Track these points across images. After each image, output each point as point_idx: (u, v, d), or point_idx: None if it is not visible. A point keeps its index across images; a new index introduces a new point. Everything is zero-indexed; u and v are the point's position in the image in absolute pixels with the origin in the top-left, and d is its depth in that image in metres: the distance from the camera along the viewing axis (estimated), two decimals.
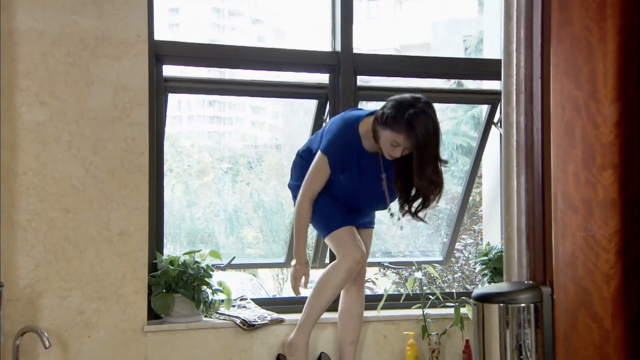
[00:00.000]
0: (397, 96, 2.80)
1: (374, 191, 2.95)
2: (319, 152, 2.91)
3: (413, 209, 2.90)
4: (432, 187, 2.81)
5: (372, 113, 2.88)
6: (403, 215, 2.94)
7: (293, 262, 2.96)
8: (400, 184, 2.88)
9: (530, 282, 1.18)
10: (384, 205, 3.03)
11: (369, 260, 4.28)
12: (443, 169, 2.83)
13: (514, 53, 1.18)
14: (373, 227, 3.15)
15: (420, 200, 2.88)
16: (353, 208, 3.02)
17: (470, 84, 4.76)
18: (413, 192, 2.88)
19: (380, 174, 2.91)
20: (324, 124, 3.53)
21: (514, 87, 1.21)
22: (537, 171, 1.17)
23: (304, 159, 3.01)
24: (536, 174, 1.18)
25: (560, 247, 1.12)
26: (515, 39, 1.19)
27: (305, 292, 3.03)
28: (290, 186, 3.06)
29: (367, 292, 4.75)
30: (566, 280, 1.11)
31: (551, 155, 1.13)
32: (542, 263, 1.16)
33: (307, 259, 2.98)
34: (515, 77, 1.20)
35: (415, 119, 2.69)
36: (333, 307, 3.12)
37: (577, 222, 1.10)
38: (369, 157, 2.89)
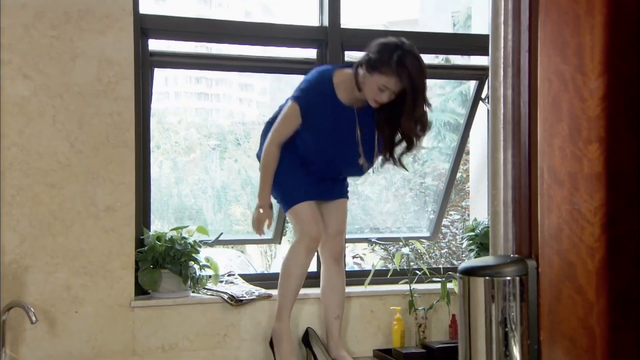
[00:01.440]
0: (380, 39, 2.79)
1: (348, 147, 2.89)
2: (289, 101, 2.88)
3: (396, 155, 2.89)
4: (419, 128, 2.80)
5: (347, 65, 2.86)
6: (386, 162, 2.93)
7: (257, 205, 2.95)
8: (384, 130, 2.85)
9: (516, 255, 1.19)
10: (358, 168, 2.95)
11: (356, 236, 4.30)
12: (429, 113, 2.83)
13: (502, 26, 1.18)
14: (346, 198, 3.10)
15: (404, 145, 2.88)
16: (324, 174, 2.96)
17: (458, 60, 4.75)
18: (397, 138, 2.86)
19: (355, 127, 2.87)
20: None
21: (502, 60, 1.20)
22: (523, 145, 1.17)
23: None
24: (523, 148, 1.18)
25: (546, 220, 1.13)
26: (502, 11, 1.18)
27: (268, 233, 3.03)
28: (258, 156, 3.04)
29: (355, 267, 4.78)
30: (551, 253, 1.12)
31: (538, 129, 1.13)
32: (528, 236, 1.16)
33: (271, 202, 2.96)
34: (502, 50, 1.20)
35: (404, 60, 2.68)
36: (316, 283, 3.14)
37: (563, 196, 1.11)
38: (344, 109, 2.86)
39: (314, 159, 2.93)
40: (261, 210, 2.94)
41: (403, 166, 2.95)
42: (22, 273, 2.88)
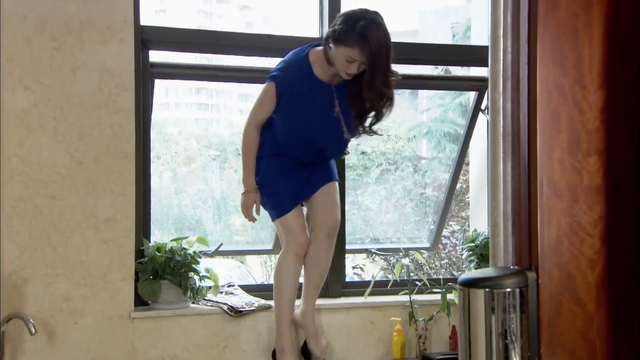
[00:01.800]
0: (345, 11, 2.80)
1: (329, 123, 2.88)
2: (266, 81, 2.88)
3: (367, 124, 2.89)
4: (382, 100, 2.80)
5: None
6: (358, 133, 2.92)
7: (242, 191, 2.95)
8: (354, 102, 2.85)
9: (516, 267, 1.19)
10: (341, 144, 2.94)
11: (356, 246, 4.30)
12: (397, 88, 2.85)
13: (501, 39, 1.18)
14: (335, 180, 3.05)
15: (373, 114, 2.88)
16: (307, 157, 2.94)
17: (458, 71, 4.77)
18: (368, 106, 2.86)
19: (333, 101, 2.87)
20: None
21: (501, 73, 1.21)
22: (523, 157, 1.18)
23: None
24: (522, 160, 1.18)
25: (546, 232, 1.13)
26: (502, 24, 1.18)
27: (258, 220, 3.05)
28: None
29: (355, 278, 4.77)
30: (551, 265, 1.12)
31: (537, 141, 1.14)
32: (528, 248, 1.16)
33: (256, 186, 2.95)
34: (502, 63, 1.20)
35: (367, 30, 2.69)
36: None
37: (563, 208, 1.11)
38: (322, 86, 2.86)
39: (295, 142, 2.92)
40: (247, 194, 2.94)
41: (375, 132, 2.95)
42: (21, 284, 2.87)
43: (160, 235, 3.73)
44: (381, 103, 2.81)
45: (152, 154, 3.29)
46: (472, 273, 1.30)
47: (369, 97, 2.78)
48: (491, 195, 1.26)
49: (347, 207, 3.54)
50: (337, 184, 3.08)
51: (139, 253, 3.09)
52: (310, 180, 2.99)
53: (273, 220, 3.01)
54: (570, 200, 1.10)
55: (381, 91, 2.75)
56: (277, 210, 2.95)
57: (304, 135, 2.91)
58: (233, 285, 3.43)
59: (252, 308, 3.15)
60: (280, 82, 2.85)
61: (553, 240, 1.12)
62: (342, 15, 2.78)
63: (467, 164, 4.53)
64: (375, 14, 2.75)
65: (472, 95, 3.88)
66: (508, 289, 1.16)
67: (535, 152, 1.14)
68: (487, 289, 1.17)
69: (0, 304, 2.80)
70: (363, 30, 2.68)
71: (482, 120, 3.83)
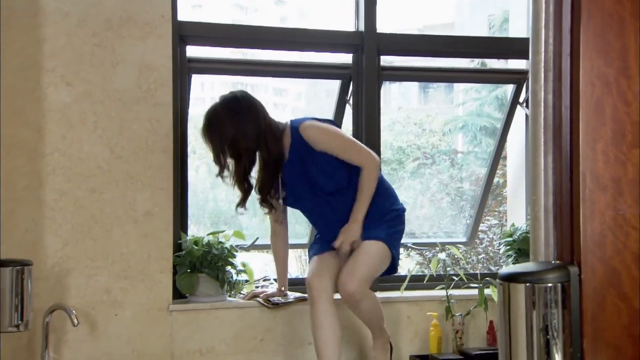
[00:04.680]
0: None
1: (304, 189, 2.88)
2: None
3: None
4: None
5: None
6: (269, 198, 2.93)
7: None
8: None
9: (558, 262, 1.17)
10: (325, 192, 2.85)
11: None
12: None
13: (542, 30, 1.16)
14: (371, 239, 2.79)
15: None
16: (320, 225, 2.98)
17: (494, 64, 4.70)
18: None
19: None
20: (347, 105, 3.52)
21: (542, 64, 1.19)
22: (565, 150, 1.16)
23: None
24: (564, 153, 1.16)
25: (589, 226, 1.11)
26: (543, 15, 1.17)
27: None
28: None
29: None
30: (594, 260, 1.10)
31: (580, 133, 1.12)
32: (570, 243, 1.15)
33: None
34: (543, 54, 1.18)
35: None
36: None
37: (606, 201, 1.09)
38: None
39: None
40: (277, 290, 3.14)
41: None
42: (64, 276, 2.94)
43: (196, 230, 3.77)
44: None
45: (189, 149, 3.33)
46: (512, 267, 1.28)
47: None
48: (531, 189, 1.24)
49: None
50: (369, 242, 2.79)
51: (177, 246, 3.12)
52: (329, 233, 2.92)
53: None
54: (614, 193, 1.08)
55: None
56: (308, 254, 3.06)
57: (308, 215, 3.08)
58: (269, 279, 3.45)
59: (288, 301, 3.17)
60: None
61: (596, 234, 1.10)
62: None
63: (505, 158, 4.48)
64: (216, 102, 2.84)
65: (509, 88, 3.83)
66: (550, 284, 1.14)
67: (578, 144, 1.12)
68: (528, 284, 1.16)
69: (44, 296, 2.87)
70: None
71: (520, 113, 3.78)
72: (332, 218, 2.87)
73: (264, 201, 2.89)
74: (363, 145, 2.89)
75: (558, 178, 1.18)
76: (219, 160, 2.79)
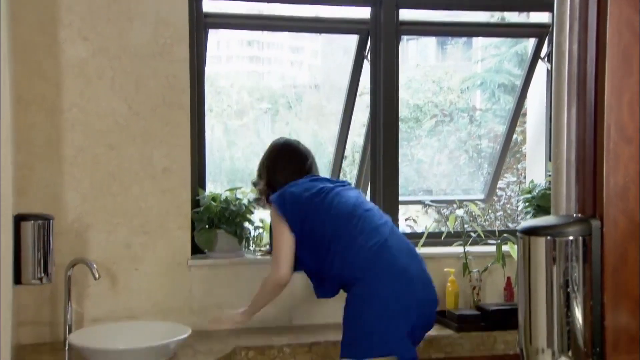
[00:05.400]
0: None
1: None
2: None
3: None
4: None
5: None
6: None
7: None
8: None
9: (579, 215, 1.16)
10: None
11: (409, 198, 4.28)
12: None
13: None
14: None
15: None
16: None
17: (514, 18, 4.60)
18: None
19: None
20: (364, 61, 3.47)
21: (568, 14, 1.16)
22: (589, 102, 1.14)
23: None
24: (588, 105, 1.14)
25: (612, 179, 1.09)
26: None
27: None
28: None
29: (408, 229, 4.76)
30: (617, 213, 1.09)
31: (605, 84, 1.09)
32: (592, 196, 1.13)
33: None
34: (569, 3, 1.15)
35: None
36: None
37: (631, 153, 1.07)
38: None
39: None
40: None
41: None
42: (84, 231, 2.97)
43: (213, 188, 3.79)
44: None
45: (205, 107, 3.32)
46: (533, 221, 1.27)
47: None
48: (554, 142, 1.22)
49: (399, 160, 3.51)
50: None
51: (195, 203, 3.14)
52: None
53: None
54: (639, 145, 1.06)
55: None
56: None
57: None
58: None
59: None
60: None
61: (619, 187, 1.09)
62: None
63: (524, 115, 4.42)
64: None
65: (529, 44, 3.76)
66: (570, 237, 1.13)
67: (603, 96, 1.10)
68: (548, 237, 1.15)
69: (65, 250, 2.91)
70: None
71: (540, 70, 3.72)
72: None
73: None
74: (284, 257, 2.72)
75: (581, 131, 1.16)
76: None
